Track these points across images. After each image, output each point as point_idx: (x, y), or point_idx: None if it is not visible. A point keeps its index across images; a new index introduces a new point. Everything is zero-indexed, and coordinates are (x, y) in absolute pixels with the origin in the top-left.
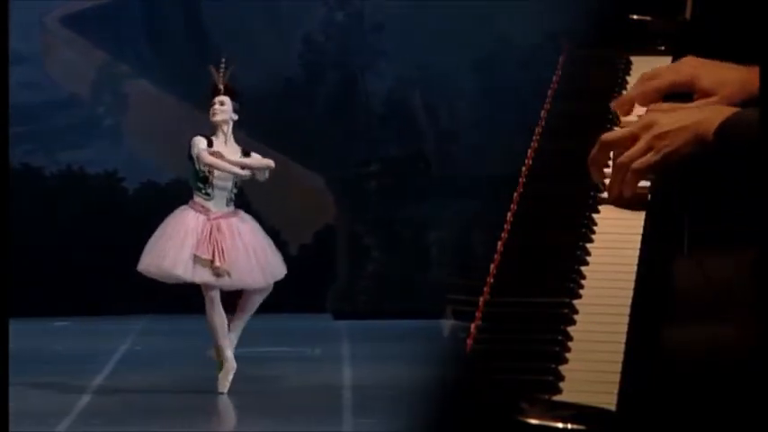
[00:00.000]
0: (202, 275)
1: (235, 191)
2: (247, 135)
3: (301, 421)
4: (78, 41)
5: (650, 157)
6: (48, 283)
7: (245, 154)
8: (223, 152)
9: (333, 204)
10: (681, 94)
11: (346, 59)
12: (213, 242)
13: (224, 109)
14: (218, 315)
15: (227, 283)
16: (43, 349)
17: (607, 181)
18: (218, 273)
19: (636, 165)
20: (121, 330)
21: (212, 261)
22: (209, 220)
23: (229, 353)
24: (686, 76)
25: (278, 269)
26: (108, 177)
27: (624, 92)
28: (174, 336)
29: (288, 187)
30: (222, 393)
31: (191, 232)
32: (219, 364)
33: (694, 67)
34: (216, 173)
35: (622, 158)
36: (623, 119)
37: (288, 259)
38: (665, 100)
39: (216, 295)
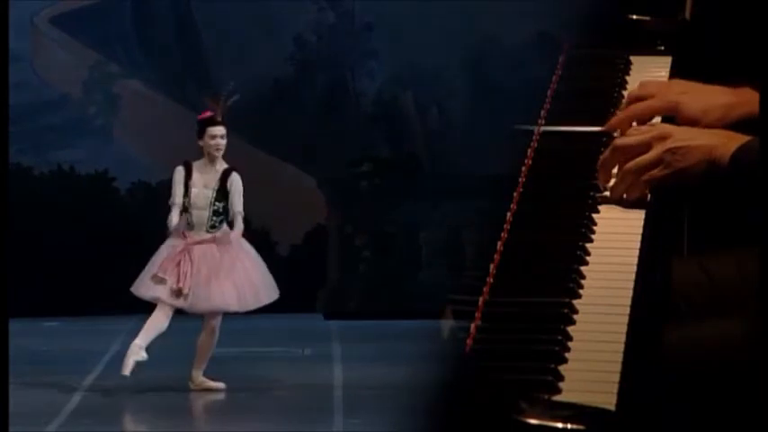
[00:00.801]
0: (156, 291)
1: (217, 218)
2: (238, 136)
3: (292, 420)
4: (69, 41)
5: (660, 171)
6: (37, 283)
7: (225, 175)
8: (201, 178)
9: (324, 205)
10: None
11: (337, 60)
12: (178, 266)
13: (223, 142)
14: (154, 318)
15: (183, 305)
16: (33, 350)
17: (611, 181)
18: (176, 294)
19: (645, 177)
20: (112, 331)
21: (174, 282)
22: (186, 245)
23: (138, 342)
24: (670, 104)
25: (262, 295)
26: (99, 177)
27: (624, 92)
28: (164, 336)
29: (278, 187)
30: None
31: (160, 256)
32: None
33: (678, 95)
34: (192, 202)
35: (631, 165)
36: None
37: (278, 260)
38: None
39: (163, 306)
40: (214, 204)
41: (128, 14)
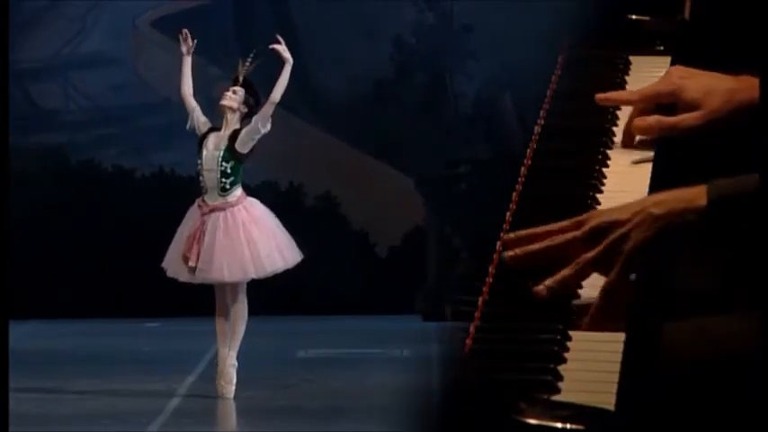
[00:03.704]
0: (183, 275)
1: (226, 180)
2: (337, 137)
3: (389, 422)
4: (170, 44)
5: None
6: (139, 283)
7: (234, 134)
8: (212, 141)
9: (422, 206)
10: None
11: (435, 61)
12: (198, 241)
13: (234, 97)
14: (217, 317)
15: (200, 278)
16: (135, 350)
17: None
18: (192, 270)
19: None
20: (211, 331)
21: (188, 259)
22: (201, 215)
23: (222, 353)
24: (671, 87)
25: (273, 262)
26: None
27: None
28: (262, 336)
29: (377, 189)
30: (226, 398)
31: (184, 233)
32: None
33: (680, 78)
34: (204, 164)
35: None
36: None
37: (377, 261)
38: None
39: (218, 295)
40: (221, 165)
41: (228, 17)
